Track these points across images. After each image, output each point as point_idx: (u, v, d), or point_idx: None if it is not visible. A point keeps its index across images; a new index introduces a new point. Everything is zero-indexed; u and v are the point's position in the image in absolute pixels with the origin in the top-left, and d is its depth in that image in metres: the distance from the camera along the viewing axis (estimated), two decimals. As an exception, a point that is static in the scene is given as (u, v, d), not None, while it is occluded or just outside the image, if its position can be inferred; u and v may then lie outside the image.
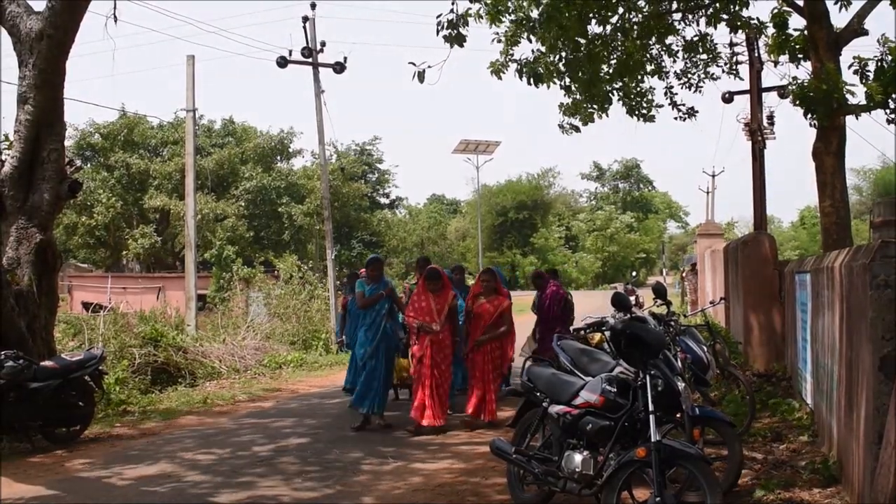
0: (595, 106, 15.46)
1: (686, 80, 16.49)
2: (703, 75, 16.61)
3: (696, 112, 16.82)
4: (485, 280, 11.80)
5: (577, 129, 15.87)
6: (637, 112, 15.85)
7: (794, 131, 78.51)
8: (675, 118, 16.81)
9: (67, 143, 13.27)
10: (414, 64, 13.18)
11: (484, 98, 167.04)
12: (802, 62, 14.59)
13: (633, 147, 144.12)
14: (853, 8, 13.84)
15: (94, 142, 53.18)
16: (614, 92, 15.53)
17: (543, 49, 14.54)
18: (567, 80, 15.16)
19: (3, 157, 12.55)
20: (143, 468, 9.43)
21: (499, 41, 14.42)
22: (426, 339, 11.16)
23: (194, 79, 26.18)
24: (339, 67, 29.41)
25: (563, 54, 14.80)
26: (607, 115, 15.61)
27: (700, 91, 16.61)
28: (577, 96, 15.50)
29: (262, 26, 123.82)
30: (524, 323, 15.22)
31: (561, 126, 15.96)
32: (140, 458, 9.96)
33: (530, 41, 14.35)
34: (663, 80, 16.38)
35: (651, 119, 16.11)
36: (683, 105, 16.73)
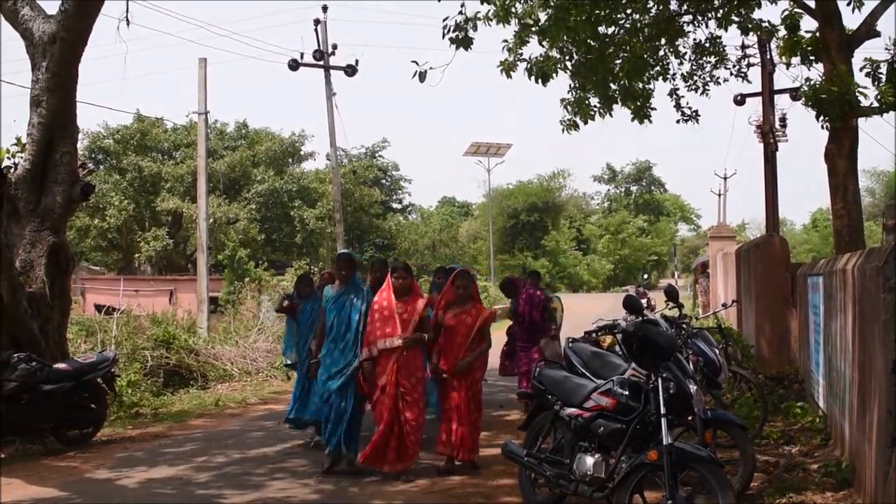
0: (604, 107, 15.37)
1: (692, 82, 16.39)
2: (708, 78, 16.47)
3: (699, 116, 16.69)
4: (460, 286, 9.15)
5: (576, 127, 15.68)
6: (643, 114, 15.73)
7: (806, 133, 78.27)
8: (678, 121, 16.72)
9: (79, 146, 13.29)
10: (416, 63, 13.22)
11: (495, 100, 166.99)
12: (814, 64, 14.54)
13: (645, 149, 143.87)
14: (865, 9, 13.80)
15: (106, 145, 53.33)
16: (620, 93, 15.41)
17: (551, 51, 14.55)
18: (571, 75, 15.11)
19: (16, 160, 12.60)
20: (154, 470, 9.46)
21: (508, 49, 14.42)
22: (390, 359, 8.64)
23: (206, 81, 26.26)
24: (350, 70, 29.46)
25: (573, 55, 14.78)
26: (611, 115, 15.51)
27: (707, 94, 16.50)
28: (582, 92, 15.41)
29: (274, 29, 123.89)
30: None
31: (562, 122, 15.79)
32: (151, 461, 9.99)
33: (541, 45, 14.37)
34: (669, 82, 16.28)
35: (649, 118, 15.88)
36: (689, 108, 16.64)
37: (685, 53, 16.09)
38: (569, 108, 15.44)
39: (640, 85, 15.57)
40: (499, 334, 11.49)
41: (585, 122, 15.46)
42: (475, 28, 13.39)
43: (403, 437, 8.62)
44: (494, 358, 10.91)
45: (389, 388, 8.60)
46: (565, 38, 13.99)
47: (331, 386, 8.94)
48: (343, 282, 9.25)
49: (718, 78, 16.49)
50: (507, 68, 14.41)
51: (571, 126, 15.62)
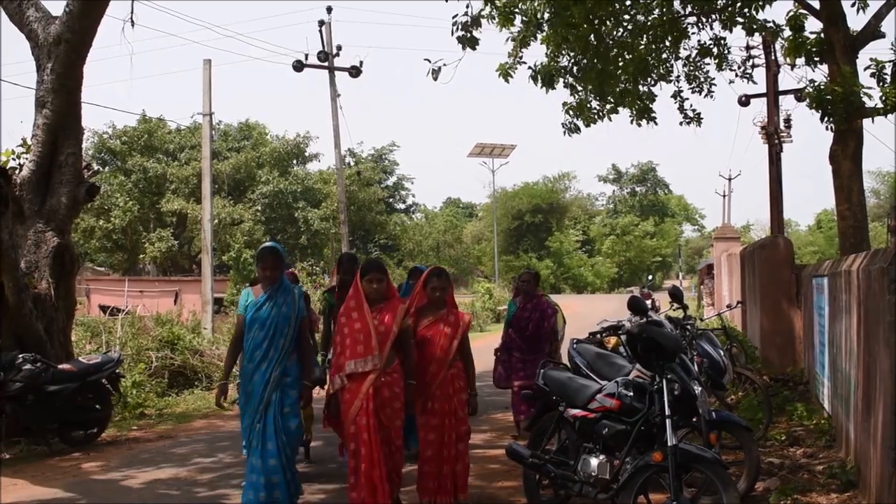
0: (606, 107, 15.32)
1: (697, 84, 16.31)
2: (703, 80, 16.34)
3: (702, 118, 16.60)
4: (436, 288, 7.26)
5: (577, 130, 15.59)
6: (645, 116, 15.67)
7: (812, 134, 78.20)
8: (681, 123, 16.63)
9: (85, 146, 13.37)
10: (429, 61, 13.33)
11: (500, 101, 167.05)
12: (819, 65, 14.50)
13: (650, 150, 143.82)
14: (870, 10, 13.78)
15: (112, 146, 53.43)
16: (624, 94, 15.35)
17: (551, 50, 14.52)
18: (572, 79, 15.07)
19: (21, 161, 12.63)
20: (158, 471, 9.47)
21: (512, 40, 14.40)
22: (363, 383, 6.72)
23: (211, 82, 26.28)
24: (354, 71, 29.52)
25: (573, 54, 14.75)
26: (613, 117, 15.42)
27: (711, 96, 16.43)
28: (583, 95, 15.35)
29: (279, 30, 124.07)
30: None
31: (564, 125, 15.72)
32: (156, 461, 10.00)
33: (535, 38, 14.34)
34: (673, 84, 16.23)
35: (653, 120, 15.79)
36: (693, 110, 16.56)
37: (688, 55, 16.05)
38: (570, 111, 15.38)
39: (644, 87, 15.54)
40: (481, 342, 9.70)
41: (588, 125, 15.41)
42: (479, 26, 13.46)
43: (383, 479, 6.67)
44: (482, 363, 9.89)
45: (369, 420, 6.67)
46: (566, 37, 13.94)
47: (252, 420, 6.95)
48: (267, 283, 7.15)
49: (714, 81, 16.37)
50: (505, 73, 14.36)
51: (573, 129, 15.55)
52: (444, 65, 13.45)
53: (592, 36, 14.28)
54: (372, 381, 6.72)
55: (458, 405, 7.16)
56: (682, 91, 16.30)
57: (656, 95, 15.78)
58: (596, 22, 14.01)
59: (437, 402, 7.09)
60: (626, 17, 14.80)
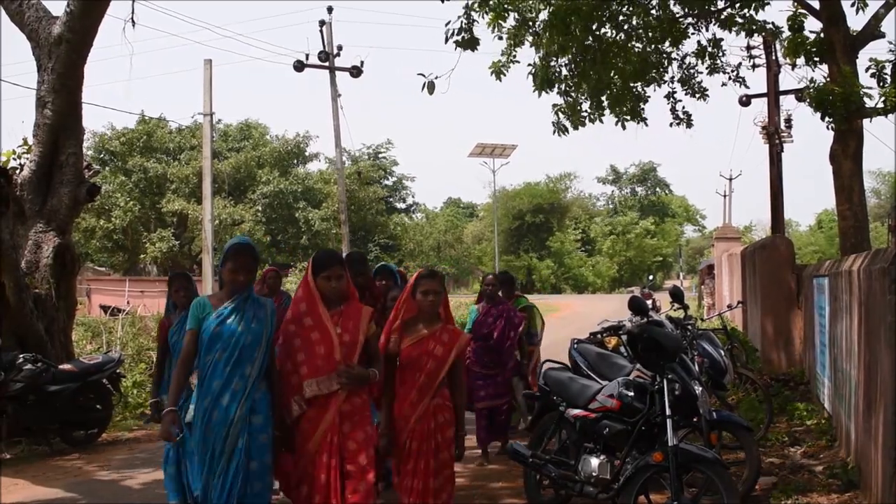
0: (595, 111, 15.25)
1: (688, 87, 16.24)
2: (702, 88, 16.28)
3: (692, 120, 16.51)
4: (428, 291, 5.69)
5: (565, 130, 15.44)
6: (636, 117, 15.61)
7: (813, 134, 78.18)
8: (671, 124, 16.58)
9: (85, 147, 13.31)
10: (423, 75, 13.17)
11: (500, 101, 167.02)
12: (819, 65, 14.51)
13: (651, 150, 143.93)
14: (869, 10, 13.80)
15: (112, 146, 53.39)
16: (620, 97, 15.30)
17: (546, 54, 14.48)
18: (568, 84, 15.02)
19: (22, 161, 12.62)
20: (159, 471, 9.42)
21: (499, 37, 14.29)
22: (326, 409, 5.33)
23: (211, 82, 26.30)
24: (355, 71, 29.53)
25: (570, 59, 14.70)
26: (601, 121, 15.34)
27: (705, 99, 16.36)
28: (575, 97, 15.27)
29: (279, 30, 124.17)
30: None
31: (554, 125, 15.61)
32: (157, 462, 9.95)
33: (535, 49, 14.32)
34: (667, 85, 16.16)
35: (644, 121, 15.73)
36: (684, 111, 16.50)
37: (684, 57, 16.00)
38: (560, 113, 15.29)
39: (637, 88, 15.50)
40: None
41: (576, 128, 15.30)
42: (471, 31, 13.42)
43: None
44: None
45: (327, 457, 5.28)
46: (563, 45, 13.90)
47: (208, 471, 5.22)
48: (233, 290, 5.44)
49: (707, 89, 16.31)
50: (498, 71, 14.27)
51: (563, 130, 15.42)
52: (437, 77, 13.33)
53: (591, 39, 14.26)
54: (338, 404, 5.34)
55: (441, 444, 5.63)
56: (675, 92, 16.27)
57: (648, 97, 15.77)
58: (594, 26, 13.98)
59: (415, 441, 5.58)
60: (624, 18, 14.75)
